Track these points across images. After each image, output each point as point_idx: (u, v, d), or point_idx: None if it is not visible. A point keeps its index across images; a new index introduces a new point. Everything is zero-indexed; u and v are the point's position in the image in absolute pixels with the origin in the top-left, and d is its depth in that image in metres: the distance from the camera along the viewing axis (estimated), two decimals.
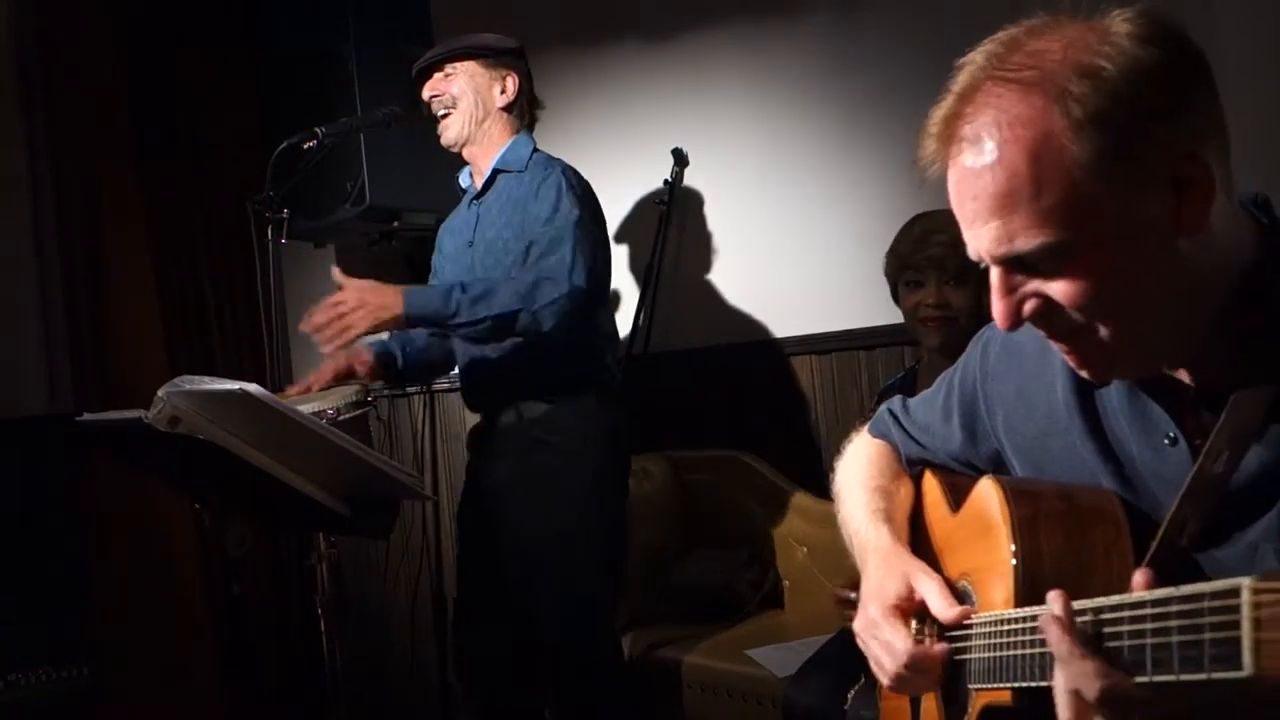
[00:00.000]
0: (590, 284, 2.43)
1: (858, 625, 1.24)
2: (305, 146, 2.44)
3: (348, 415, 2.19)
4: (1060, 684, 0.88)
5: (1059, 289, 0.96)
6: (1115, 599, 0.87)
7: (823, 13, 3.10)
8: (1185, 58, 0.94)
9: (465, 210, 2.76)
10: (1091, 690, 0.84)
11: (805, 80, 3.13)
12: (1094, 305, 0.96)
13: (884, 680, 1.22)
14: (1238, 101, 0.98)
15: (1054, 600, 0.91)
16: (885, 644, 1.19)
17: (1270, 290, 0.97)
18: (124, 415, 1.92)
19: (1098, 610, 0.88)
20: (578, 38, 3.55)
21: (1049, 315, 0.99)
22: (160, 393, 1.79)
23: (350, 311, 2.30)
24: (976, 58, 0.99)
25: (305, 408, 2.06)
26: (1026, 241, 0.95)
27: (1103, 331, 0.98)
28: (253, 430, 1.84)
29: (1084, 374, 1.04)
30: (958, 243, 2.21)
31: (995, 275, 1.00)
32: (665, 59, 3.39)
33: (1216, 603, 0.75)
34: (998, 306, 1.00)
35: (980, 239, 0.98)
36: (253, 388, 1.79)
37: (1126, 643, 0.84)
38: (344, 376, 2.57)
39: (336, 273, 2.40)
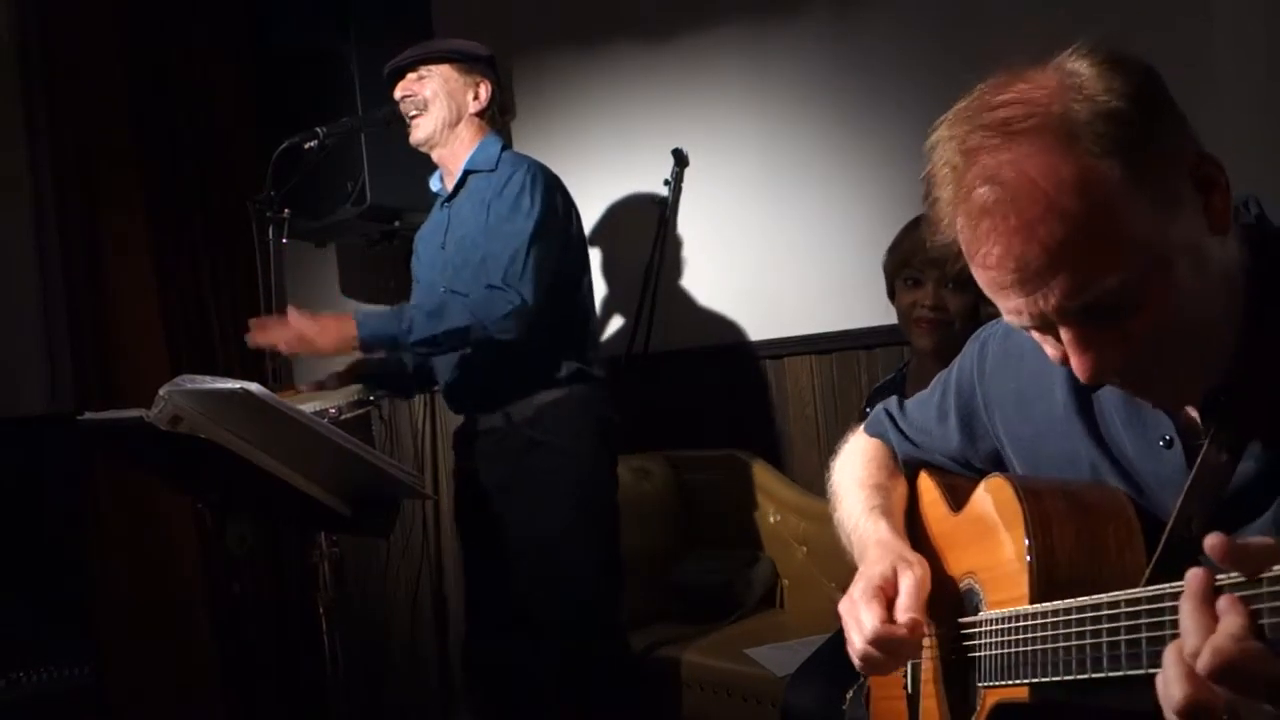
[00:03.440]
0: (540, 294, 2.43)
1: (840, 605, 1.25)
2: (306, 146, 2.45)
3: (349, 415, 2.20)
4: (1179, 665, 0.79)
5: (1139, 320, 0.93)
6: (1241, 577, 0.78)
7: (822, 13, 3.10)
8: (1149, 74, 0.95)
9: (438, 213, 2.77)
10: (1245, 666, 0.75)
11: (805, 80, 3.13)
12: (1173, 326, 0.93)
13: (853, 658, 1.22)
14: (1235, 104, 0.99)
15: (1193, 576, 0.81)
16: (858, 622, 1.20)
17: (1268, 291, 0.98)
18: (125, 415, 1.92)
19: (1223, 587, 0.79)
20: (578, 38, 3.55)
21: (1130, 358, 0.95)
22: (161, 392, 1.80)
23: (312, 334, 2.36)
24: (954, 131, 0.95)
25: (307, 407, 2.07)
26: (1102, 283, 0.90)
27: (1172, 352, 0.95)
28: (254, 430, 1.85)
29: (1143, 399, 1.02)
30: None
31: (1069, 332, 0.95)
32: (665, 59, 3.39)
33: None
34: (1082, 363, 0.95)
35: (1047, 298, 0.92)
36: (254, 387, 1.79)
37: (1268, 620, 0.75)
38: (361, 373, 2.58)
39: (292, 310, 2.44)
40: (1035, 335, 1.00)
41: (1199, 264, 0.93)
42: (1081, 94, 0.91)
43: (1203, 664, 0.75)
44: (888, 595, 1.20)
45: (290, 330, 2.37)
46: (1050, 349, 1.00)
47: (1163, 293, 0.92)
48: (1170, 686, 0.78)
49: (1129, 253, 0.90)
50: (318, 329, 2.38)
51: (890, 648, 1.17)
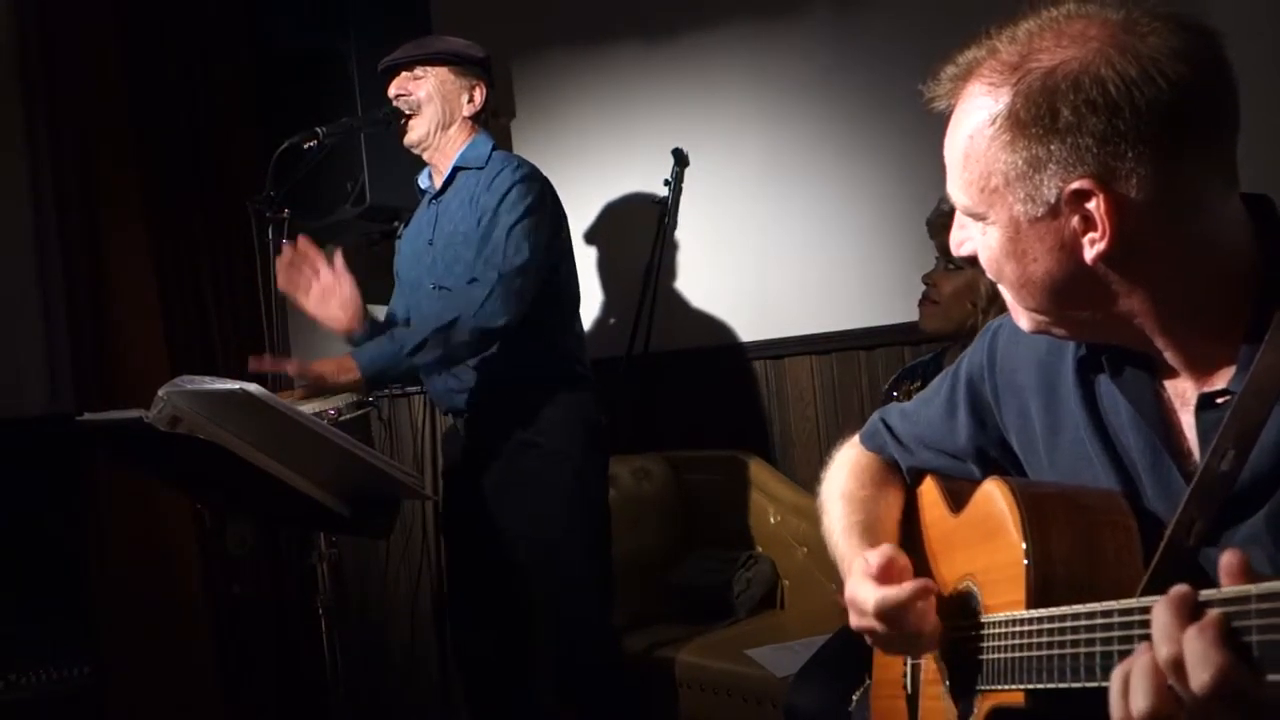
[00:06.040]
0: (528, 260, 2.43)
1: (844, 598, 1.25)
2: (306, 146, 2.45)
3: (349, 415, 2.20)
4: (1152, 677, 0.80)
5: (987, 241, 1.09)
6: (1231, 590, 0.77)
7: (822, 12, 3.10)
8: (1160, 96, 0.96)
9: (425, 210, 2.77)
10: (1215, 685, 0.75)
11: (805, 80, 3.13)
12: (998, 274, 1.10)
13: (874, 641, 1.23)
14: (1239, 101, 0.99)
15: (1175, 590, 0.81)
16: (858, 603, 1.20)
17: (1265, 291, 0.98)
18: (124, 415, 1.92)
19: (1210, 602, 0.78)
20: (578, 38, 3.55)
21: (986, 264, 1.10)
22: (161, 392, 1.80)
23: (318, 375, 2.40)
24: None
25: (306, 408, 2.07)
26: (960, 195, 1.07)
27: (1011, 290, 1.08)
28: (253, 430, 1.85)
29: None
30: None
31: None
32: (665, 59, 3.39)
33: None
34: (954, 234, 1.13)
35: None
36: (253, 387, 1.79)
37: (1257, 638, 0.74)
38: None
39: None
40: None
41: (1024, 254, 1.01)
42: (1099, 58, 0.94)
43: (1199, 682, 0.75)
44: (878, 576, 1.20)
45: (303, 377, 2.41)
46: None
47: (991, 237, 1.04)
48: (1135, 695, 0.80)
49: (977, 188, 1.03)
50: (318, 372, 2.39)
51: (896, 616, 1.17)
